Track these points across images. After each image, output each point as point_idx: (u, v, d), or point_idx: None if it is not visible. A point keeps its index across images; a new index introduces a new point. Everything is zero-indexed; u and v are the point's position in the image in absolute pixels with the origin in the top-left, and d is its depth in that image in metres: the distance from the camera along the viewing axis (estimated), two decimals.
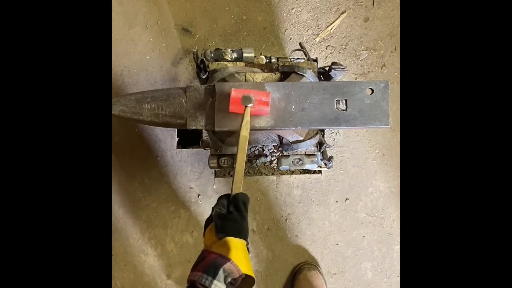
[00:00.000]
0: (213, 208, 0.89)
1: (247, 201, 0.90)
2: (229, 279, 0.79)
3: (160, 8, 1.65)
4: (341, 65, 1.16)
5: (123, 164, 1.62)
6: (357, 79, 1.68)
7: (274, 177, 1.65)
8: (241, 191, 0.91)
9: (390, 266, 1.68)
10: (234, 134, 1.15)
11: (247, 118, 0.96)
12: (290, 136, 1.17)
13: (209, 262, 0.79)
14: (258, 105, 0.99)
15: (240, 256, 0.81)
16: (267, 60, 1.28)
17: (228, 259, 0.79)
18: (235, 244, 0.82)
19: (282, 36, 1.67)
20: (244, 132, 0.95)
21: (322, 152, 1.29)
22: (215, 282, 0.76)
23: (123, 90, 1.62)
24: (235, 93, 0.98)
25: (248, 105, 0.96)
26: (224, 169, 1.63)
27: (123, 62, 1.63)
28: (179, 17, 1.65)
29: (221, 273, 0.77)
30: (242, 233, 0.85)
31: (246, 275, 0.82)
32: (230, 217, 0.86)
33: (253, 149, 1.34)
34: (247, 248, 0.87)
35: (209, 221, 0.91)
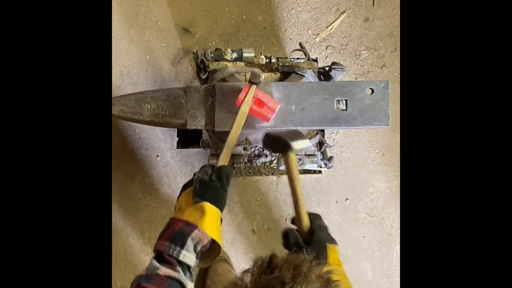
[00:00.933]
0: (195, 174, 0.87)
1: (231, 174, 0.88)
2: (199, 247, 0.76)
3: (160, 8, 1.65)
4: (341, 65, 1.16)
5: (123, 164, 1.62)
6: (357, 79, 1.68)
7: (274, 177, 1.65)
8: (227, 164, 0.90)
9: (390, 266, 1.68)
10: None
11: (250, 94, 0.95)
12: None
13: (176, 231, 0.76)
14: (265, 110, 0.98)
15: (212, 223, 0.79)
16: (267, 60, 1.28)
17: (195, 226, 0.76)
18: (210, 210, 0.80)
19: (282, 36, 1.67)
20: (245, 108, 0.94)
21: (322, 152, 1.29)
22: (183, 252, 0.73)
23: (123, 90, 1.62)
24: (248, 89, 0.98)
25: (255, 81, 0.95)
26: None
27: (123, 62, 1.63)
28: (179, 17, 1.65)
29: (189, 242, 0.74)
30: (219, 202, 0.83)
31: (214, 242, 0.80)
32: (211, 184, 0.84)
33: (253, 149, 1.34)
34: (221, 219, 0.85)
35: (187, 185, 0.88)
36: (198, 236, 0.76)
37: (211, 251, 0.82)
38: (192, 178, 0.87)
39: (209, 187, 0.83)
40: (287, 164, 0.88)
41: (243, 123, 0.94)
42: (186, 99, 1.07)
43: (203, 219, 0.77)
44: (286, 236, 0.84)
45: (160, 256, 0.74)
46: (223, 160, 0.91)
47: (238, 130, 0.94)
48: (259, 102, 0.98)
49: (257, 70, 0.97)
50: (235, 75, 1.14)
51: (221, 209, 0.84)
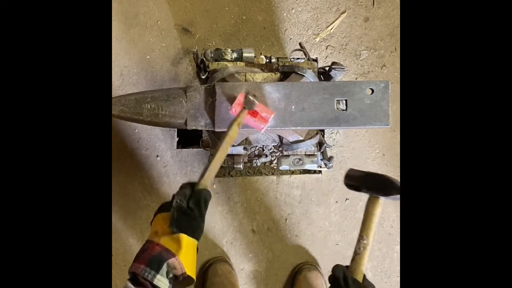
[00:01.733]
0: (173, 195, 0.85)
1: (209, 199, 0.86)
2: (170, 275, 0.77)
3: (160, 8, 1.65)
4: (341, 65, 1.16)
5: (123, 164, 1.62)
6: (357, 79, 1.68)
7: (274, 177, 1.65)
8: (207, 189, 0.87)
9: (390, 266, 1.68)
10: None
11: (240, 119, 0.95)
12: (290, 136, 1.17)
13: (152, 255, 0.76)
14: (258, 120, 0.98)
15: (189, 256, 0.79)
16: (267, 60, 1.28)
17: (173, 255, 0.76)
18: (187, 242, 0.79)
19: (282, 36, 1.67)
20: (232, 133, 0.94)
21: (322, 152, 1.29)
22: (158, 276, 0.74)
23: (123, 90, 1.62)
24: (242, 98, 0.98)
25: (248, 108, 0.95)
26: (224, 169, 1.63)
27: (123, 62, 1.63)
28: (179, 17, 1.65)
29: (164, 267, 0.75)
30: (196, 233, 0.82)
31: (188, 276, 0.79)
32: (190, 213, 0.82)
33: (253, 149, 1.34)
34: (197, 248, 0.85)
35: (164, 206, 0.87)
36: (174, 265, 0.76)
37: (184, 282, 0.82)
38: (171, 200, 0.86)
39: (188, 216, 0.82)
40: (370, 208, 0.95)
41: (229, 147, 0.93)
42: (186, 99, 1.07)
43: (180, 252, 0.78)
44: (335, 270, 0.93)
45: (134, 279, 0.75)
46: (204, 184, 0.88)
47: (224, 155, 0.92)
48: (252, 111, 0.97)
49: (252, 97, 0.97)
50: (235, 75, 1.14)
51: (198, 239, 0.84)
